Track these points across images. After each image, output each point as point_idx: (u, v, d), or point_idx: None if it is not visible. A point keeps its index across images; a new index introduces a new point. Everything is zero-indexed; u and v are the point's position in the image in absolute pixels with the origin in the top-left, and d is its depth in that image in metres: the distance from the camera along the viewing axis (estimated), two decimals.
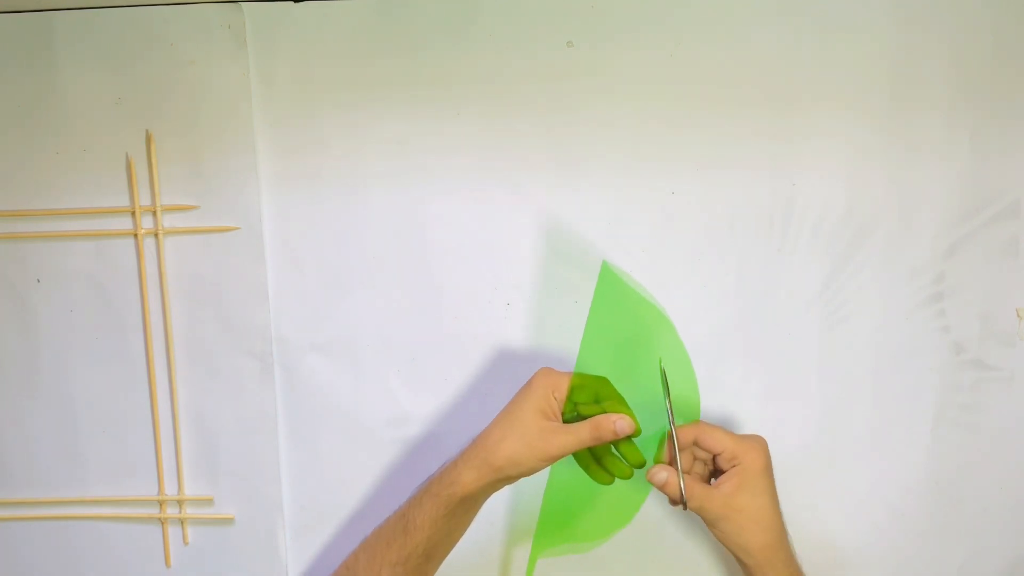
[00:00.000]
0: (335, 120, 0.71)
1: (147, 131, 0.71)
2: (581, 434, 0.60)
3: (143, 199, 0.72)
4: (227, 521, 0.75)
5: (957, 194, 0.70)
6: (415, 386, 0.74)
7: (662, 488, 0.61)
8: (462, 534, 0.66)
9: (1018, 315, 0.71)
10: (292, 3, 0.70)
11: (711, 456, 0.63)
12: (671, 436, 0.62)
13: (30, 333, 0.74)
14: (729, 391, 0.72)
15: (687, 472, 0.63)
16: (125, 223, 0.73)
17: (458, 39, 0.70)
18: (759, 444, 0.62)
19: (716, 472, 0.64)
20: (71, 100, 0.71)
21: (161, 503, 0.75)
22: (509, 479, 0.62)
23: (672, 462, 0.62)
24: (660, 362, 0.64)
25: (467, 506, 0.63)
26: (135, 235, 0.73)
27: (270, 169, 0.72)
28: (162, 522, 0.76)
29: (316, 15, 0.70)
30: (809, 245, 0.71)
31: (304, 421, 0.74)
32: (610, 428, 0.60)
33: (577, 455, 0.65)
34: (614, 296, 0.66)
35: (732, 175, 0.70)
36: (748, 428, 0.72)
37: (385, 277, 0.73)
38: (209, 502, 0.75)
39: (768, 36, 0.69)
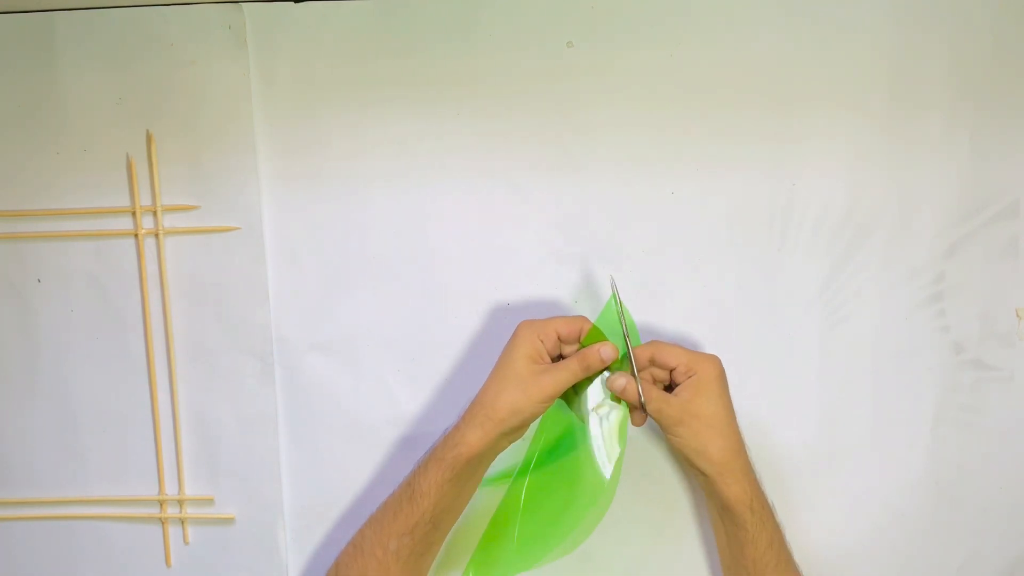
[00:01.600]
0: (335, 120, 0.71)
1: (148, 131, 0.71)
2: (571, 367, 0.62)
3: (143, 199, 0.72)
4: (227, 521, 0.75)
5: (957, 194, 0.70)
6: (415, 386, 0.74)
7: (621, 393, 0.64)
8: (467, 500, 0.67)
9: (1018, 315, 0.71)
10: (292, 3, 0.70)
11: (668, 372, 0.65)
12: (628, 351, 0.64)
13: (30, 333, 0.74)
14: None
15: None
16: (125, 223, 0.73)
17: (458, 39, 0.70)
18: (712, 357, 0.64)
19: (673, 387, 0.65)
20: (72, 100, 0.71)
21: (161, 503, 0.75)
22: (513, 431, 0.63)
23: (632, 373, 0.64)
24: (611, 280, 0.66)
25: (473, 468, 0.64)
26: (136, 235, 0.73)
27: (270, 169, 0.72)
28: (162, 522, 0.76)
29: (316, 15, 0.70)
30: (809, 245, 0.71)
31: (304, 421, 0.74)
32: (596, 356, 0.63)
33: (568, 397, 0.67)
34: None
35: (732, 175, 0.70)
36: (748, 428, 0.72)
37: (385, 277, 0.73)
38: (210, 502, 0.75)
39: (768, 36, 0.69)
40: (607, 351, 0.63)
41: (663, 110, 0.70)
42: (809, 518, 0.73)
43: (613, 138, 0.70)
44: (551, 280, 0.72)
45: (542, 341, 0.63)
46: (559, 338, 0.64)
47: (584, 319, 0.65)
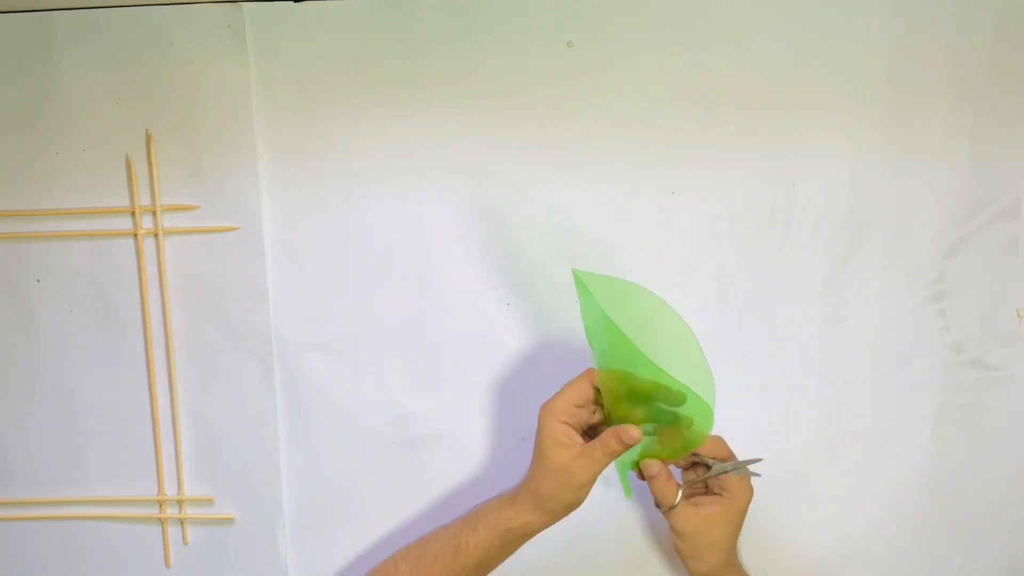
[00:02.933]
0: (335, 120, 0.71)
1: (147, 131, 0.71)
2: (596, 455, 0.60)
3: (143, 199, 0.72)
4: (227, 521, 0.75)
5: (957, 194, 0.70)
6: (415, 386, 0.74)
7: (649, 480, 0.64)
8: (508, 557, 0.67)
9: (1018, 315, 0.71)
10: (292, 3, 0.70)
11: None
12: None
13: (30, 333, 0.74)
14: (729, 391, 0.72)
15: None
16: (125, 223, 0.73)
17: (458, 39, 0.70)
18: (750, 485, 0.65)
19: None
20: (71, 100, 0.71)
21: (161, 503, 0.75)
22: (567, 513, 0.63)
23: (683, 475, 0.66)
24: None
25: (524, 540, 0.65)
26: (135, 235, 0.73)
27: (270, 169, 0.72)
28: (162, 522, 0.76)
29: (316, 15, 0.70)
30: (809, 245, 0.71)
31: (304, 421, 0.74)
32: (618, 441, 0.60)
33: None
34: (596, 292, 0.63)
35: (732, 175, 0.70)
36: (748, 428, 0.72)
37: (385, 277, 0.73)
38: (209, 502, 0.75)
39: (768, 36, 0.69)
40: (628, 435, 0.60)
41: (663, 110, 0.70)
42: (809, 518, 0.73)
43: (613, 138, 0.70)
44: (551, 280, 0.72)
45: (565, 423, 0.62)
46: (578, 406, 0.62)
47: (588, 374, 0.63)
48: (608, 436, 0.60)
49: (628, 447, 0.60)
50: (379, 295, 0.73)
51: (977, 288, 0.71)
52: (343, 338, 0.73)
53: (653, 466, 0.64)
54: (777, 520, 0.73)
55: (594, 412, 0.64)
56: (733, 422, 0.72)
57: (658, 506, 0.64)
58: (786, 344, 0.72)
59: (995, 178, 0.69)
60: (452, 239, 0.72)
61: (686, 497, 0.64)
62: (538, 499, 0.62)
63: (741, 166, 0.70)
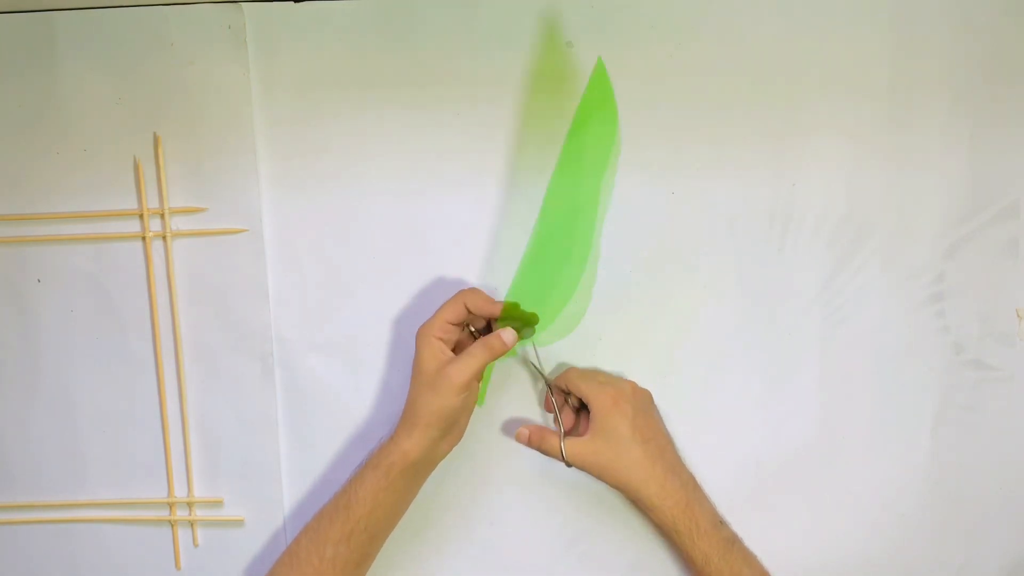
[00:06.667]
0: (335, 120, 0.71)
1: (155, 134, 0.71)
2: (475, 353, 0.64)
3: (149, 202, 0.72)
4: (237, 523, 0.75)
5: (957, 194, 0.70)
6: None
7: (527, 444, 0.69)
8: (403, 512, 0.69)
9: (1018, 315, 0.71)
10: (292, 3, 0.70)
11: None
12: (548, 399, 0.70)
13: (30, 334, 0.74)
14: (729, 391, 0.73)
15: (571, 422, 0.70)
16: (129, 226, 0.73)
17: (458, 39, 0.70)
18: (610, 388, 0.67)
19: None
20: (71, 100, 0.71)
21: (171, 505, 0.75)
22: (444, 432, 0.65)
23: (555, 420, 0.69)
24: (534, 341, 0.68)
25: (409, 477, 0.66)
26: (143, 238, 0.72)
27: (270, 170, 0.72)
28: (172, 524, 0.75)
29: (316, 15, 0.70)
30: (809, 245, 0.71)
31: (304, 421, 0.74)
32: (499, 341, 0.65)
33: None
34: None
35: (732, 175, 0.70)
36: (749, 428, 0.73)
37: (385, 277, 0.73)
38: (219, 504, 0.75)
39: (768, 36, 0.69)
40: (508, 336, 0.66)
41: (663, 110, 0.70)
42: (809, 518, 0.73)
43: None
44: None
45: (439, 338, 0.65)
46: (453, 324, 0.66)
47: (464, 295, 0.66)
48: (490, 338, 0.65)
49: (507, 347, 0.65)
50: (379, 295, 0.73)
51: (977, 288, 0.70)
52: (343, 338, 0.73)
53: (522, 433, 0.69)
54: (777, 520, 0.73)
55: (462, 331, 0.68)
56: (733, 422, 0.73)
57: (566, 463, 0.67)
58: (786, 344, 0.72)
59: (995, 178, 0.69)
60: (452, 239, 0.72)
61: (571, 435, 0.67)
62: (415, 418, 0.64)
63: (741, 166, 0.70)
